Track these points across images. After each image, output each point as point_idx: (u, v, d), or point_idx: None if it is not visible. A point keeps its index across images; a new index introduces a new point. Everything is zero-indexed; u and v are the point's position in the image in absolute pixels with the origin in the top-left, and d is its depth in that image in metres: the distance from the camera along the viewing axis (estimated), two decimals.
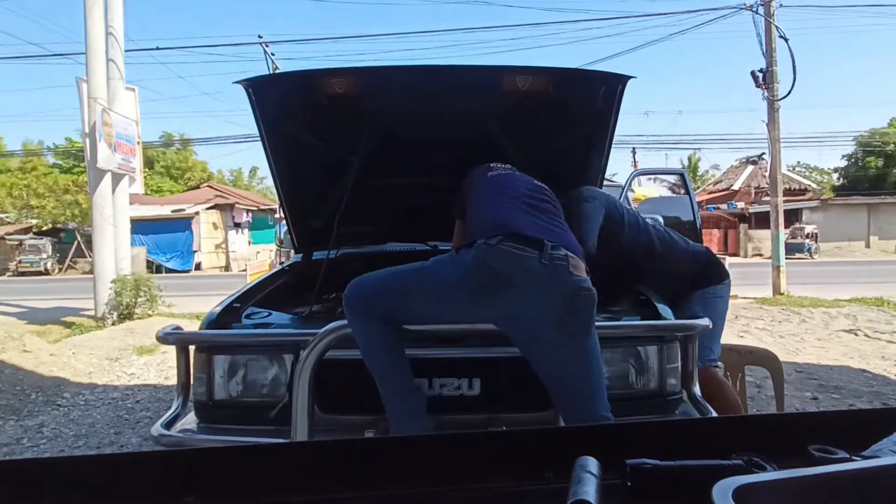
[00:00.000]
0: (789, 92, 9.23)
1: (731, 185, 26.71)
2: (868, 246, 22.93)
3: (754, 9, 9.60)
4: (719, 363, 2.61)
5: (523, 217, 1.49)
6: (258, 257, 15.84)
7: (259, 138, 2.19)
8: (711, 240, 21.35)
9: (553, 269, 1.37)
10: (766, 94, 9.65)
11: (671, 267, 2.26)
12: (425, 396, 1.49)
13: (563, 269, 1.38)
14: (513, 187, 1.65)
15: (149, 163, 28.42)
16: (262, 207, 24.69)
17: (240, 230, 22.68)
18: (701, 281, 2.27)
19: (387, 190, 2.53)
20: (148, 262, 18.19)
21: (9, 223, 23.71)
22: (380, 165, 2.41)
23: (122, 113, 7.53)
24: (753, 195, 24.02)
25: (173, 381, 2.06)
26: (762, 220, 17.82)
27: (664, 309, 1.83)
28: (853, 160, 30.58)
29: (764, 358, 2.73)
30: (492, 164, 1.81)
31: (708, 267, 2.33)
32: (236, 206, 22.68)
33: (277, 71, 11.32)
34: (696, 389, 1.72)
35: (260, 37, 12.74)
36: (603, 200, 2.16)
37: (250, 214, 23.49)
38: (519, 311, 1.39)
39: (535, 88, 2.03)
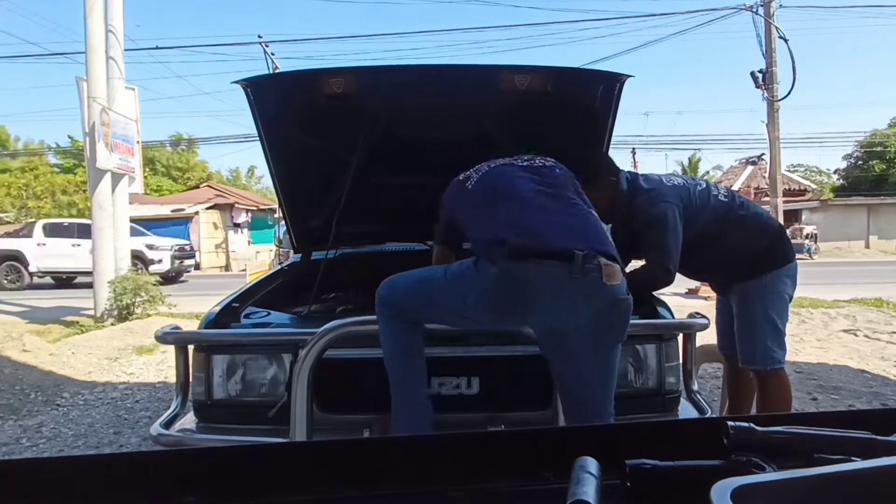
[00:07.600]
0: (789, 92, 9.26)
1: (731, 186, 26.74)
2: (868, 246, 22.94)
3: (754, 9, 9.61)
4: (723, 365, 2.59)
5: (546, 222, 1.35)
6: (258, 257, 15.81)
7: (258, 138, 2.19)
8: None
9: (585, 282, 1.26)
10: (765, 94, 9.67)
11: (735, 243, 2.00)
12: (432, 409, 1.44)
13: (596, 280, 1.26)
14: (520, 182, 1.46)
15: (149, 162, 28.35)
16: (262, 207, 24.64)
17: (239, 230, 22.65)
18: (761, 263, 2.01)
19: (385, 190, 2.53)
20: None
21: (8, 223, 23.66)
22: (378, 165, 2.41)
23: (121, 112, 7.52)
24: (753, 196, 24.02)
25: (173, 380, 2.06)
26: None
27: (663, 308, 1.83)
28: (853, 161, 30.55)
29: None
30: (463, 175, 1.59)
31: (774, 244, 2.05)
32: (236, 205, 22.64)
33: (277, 71, 11.31)
34: (695, 388, 1.72)
35: (260, 37, 12.76)
36: (675, 197, 1.90)
37: (249, 214, 23.45)
38: (547, 323, 1.33)
39: (534, 87, 2.03)
